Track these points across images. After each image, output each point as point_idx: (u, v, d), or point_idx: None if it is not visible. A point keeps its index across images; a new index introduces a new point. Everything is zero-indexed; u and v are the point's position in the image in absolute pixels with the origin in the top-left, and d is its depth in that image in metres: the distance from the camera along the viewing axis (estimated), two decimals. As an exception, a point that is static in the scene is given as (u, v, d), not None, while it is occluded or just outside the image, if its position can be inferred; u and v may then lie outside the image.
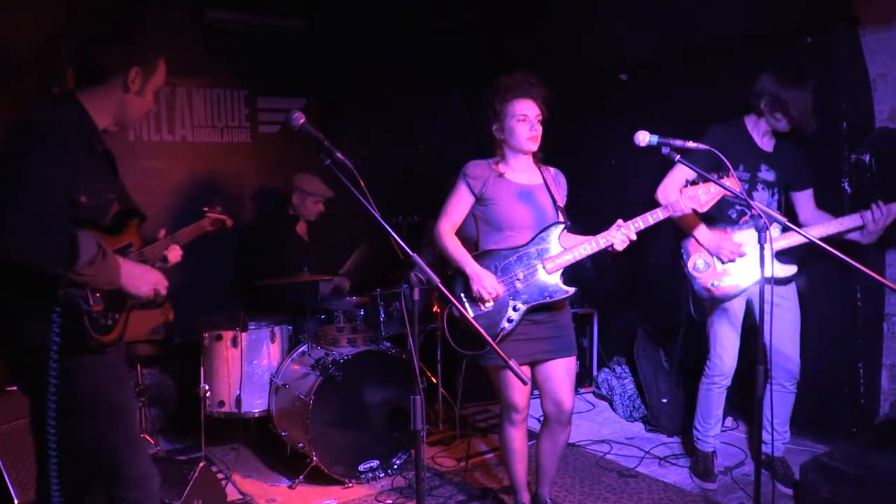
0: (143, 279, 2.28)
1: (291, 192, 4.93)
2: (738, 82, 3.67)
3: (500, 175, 3.15)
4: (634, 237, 3.01)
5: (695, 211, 3.08)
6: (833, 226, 3.42)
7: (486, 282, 3.04)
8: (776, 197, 3.66)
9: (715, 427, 3.90)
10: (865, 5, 3.79)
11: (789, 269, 3.58)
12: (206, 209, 3.00)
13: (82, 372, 2.19)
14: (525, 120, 3.08)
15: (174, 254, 2.71)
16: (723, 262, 3.60)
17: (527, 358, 3.14)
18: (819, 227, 3.43)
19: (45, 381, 2.06)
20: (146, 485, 2.35)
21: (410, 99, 5.75)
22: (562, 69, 4.71)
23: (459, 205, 3.19)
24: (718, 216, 3.65)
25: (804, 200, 3.68)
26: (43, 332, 2.07)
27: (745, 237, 3.60)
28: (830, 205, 3.68)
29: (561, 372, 3.18)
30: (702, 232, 3.63)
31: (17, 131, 2.06)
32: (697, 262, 3.65)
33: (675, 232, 3.75)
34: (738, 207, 3.66)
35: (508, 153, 3.17)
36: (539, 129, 3.11)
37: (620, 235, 3.00)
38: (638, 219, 3.03)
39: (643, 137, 2.85)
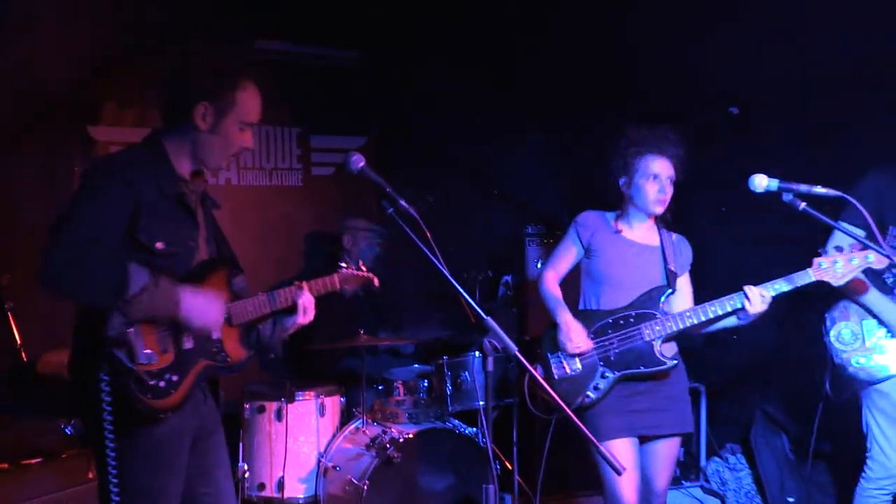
0: (206, 309, 2.39)
1: (340, 238, 5.00)
2: (873, 114, 3.60)
3: (617, 231, 3.28)
4: (770, 299, 3.01)
5: None
6: None
7: (573, 333, 3.15)
8: None
9: None
10: None
11: None
12: (342, 263, 2.94)
13: (131, 449, 2.33)
14: (656, 180, 3.19)
15: (307, 301, 2.66)
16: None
17: (630, 432, 3.16)
18: None
19: (102, 449, 2.26)
20: None
21: (483, 140, 5.80)
22: (661, 104, 4.71)
23: (566, 254, 3.37)
24: (872, 279, 3.52)
25: None
26: (94, 392, 2.24)
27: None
28: None
29: (667, 454, 3.24)
30: (870, 296, 3.40)
31: (89, 169, 2.41)
32: (843, 332, 3.49)
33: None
34: (895, 272, 3.52)
35: (631, 211, 3.30)
36: (669, 192, 3.20)
37: (755, 295, 2.98)
38: (765, 285, 3.02)
39: (760, 182, 2.84)
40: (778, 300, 3.07)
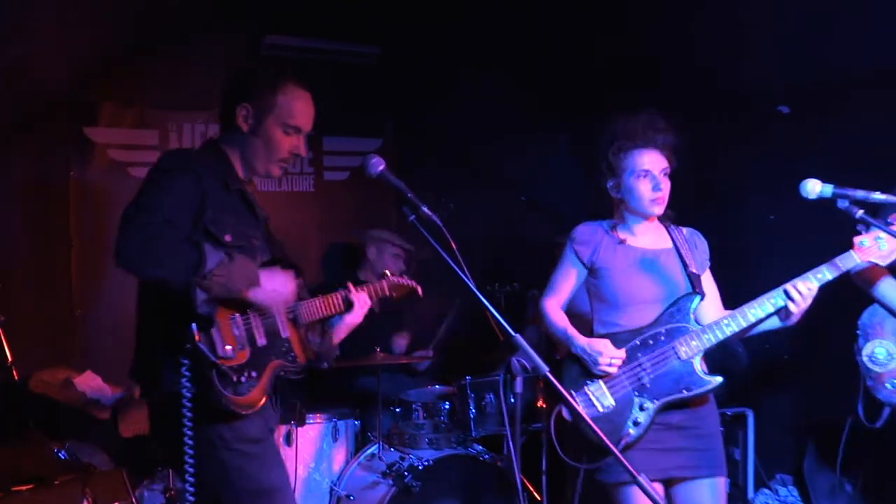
0: (281, 287, 2.59)
1: (364, 248, 4.98)
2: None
3: (621, 241, 3.14)
4: (815, 290, 2.89)
5: None
6: None
7: (598, 346, 3.00)
8: None
9: None
10: None
11: None
12: (387, 272, 3.10)
13: (215, 443, 2.49)
14: (647, 176, 3.05)
15: (361, 300, 2.87)
16: None
17: (659, 474, 3.01)
18: None
19: (180, 441, 2.41)
20: None
21: (509, 142, 5.77)
22: (699, 101, 4.64)
23: (567, 277, 3.22)
24: None
25: None
26: (173, 384, 2.39)
27: None
28: None
29: (705, 498, 3.04)
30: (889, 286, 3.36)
31: (157, 162, 2.60)
32: (876, 351, 3.42)
33: (854, 307, 3.56)
34: None
35: (628, 217, 3.16)
36: (666, 187, 3.07)
37: (801, 287, 2.88)
38: (807, 275, 2.91)
39: (813, 187, 2.78)
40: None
